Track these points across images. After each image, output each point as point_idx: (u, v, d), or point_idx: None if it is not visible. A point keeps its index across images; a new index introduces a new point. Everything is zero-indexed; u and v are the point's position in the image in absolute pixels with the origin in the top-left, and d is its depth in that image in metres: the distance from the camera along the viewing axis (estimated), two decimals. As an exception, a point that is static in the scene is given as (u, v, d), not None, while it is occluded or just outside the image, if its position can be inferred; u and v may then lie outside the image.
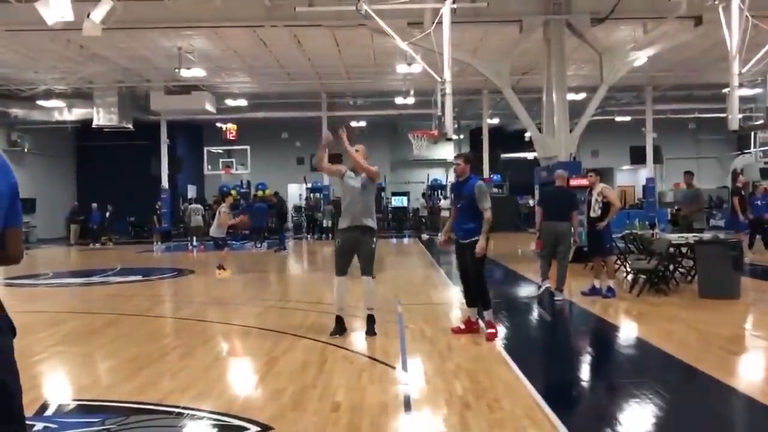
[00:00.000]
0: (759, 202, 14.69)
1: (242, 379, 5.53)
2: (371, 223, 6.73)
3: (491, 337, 6.47)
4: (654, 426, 4.12)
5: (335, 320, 6.87)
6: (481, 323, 6.79)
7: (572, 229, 8.95)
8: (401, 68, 19.81)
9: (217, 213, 14.00)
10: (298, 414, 4.32)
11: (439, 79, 12.52)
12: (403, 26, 13.66)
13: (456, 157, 6.96)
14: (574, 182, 13.63)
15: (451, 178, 29.65)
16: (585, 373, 5.68)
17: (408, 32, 13.49)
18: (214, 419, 4.30)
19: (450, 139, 15.32)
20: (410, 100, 25.60)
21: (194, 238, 21.90)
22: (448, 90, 12.27)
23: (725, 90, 15.19)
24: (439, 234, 8.03)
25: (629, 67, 15.52)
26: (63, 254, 21.58)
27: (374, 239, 6.76)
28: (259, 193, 29.01)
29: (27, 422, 3.89)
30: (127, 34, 16.63)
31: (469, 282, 6.83)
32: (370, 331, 6.76)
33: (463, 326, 6.83)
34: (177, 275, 14.14)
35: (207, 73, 20.99)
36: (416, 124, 28.41)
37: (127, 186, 28.25)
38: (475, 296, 6.76)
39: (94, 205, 25.87)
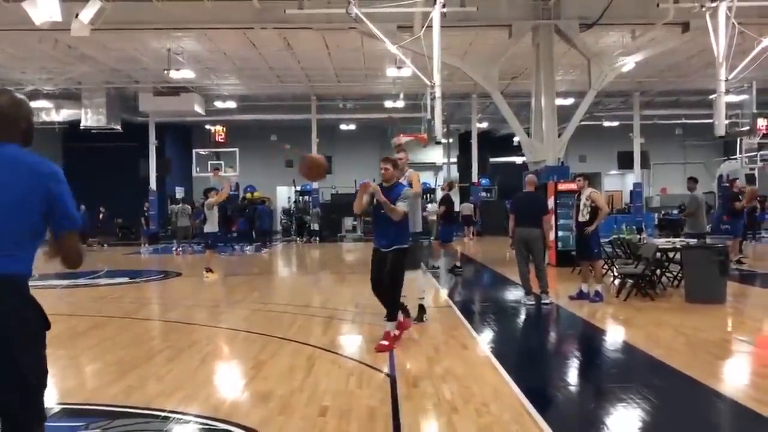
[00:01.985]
0: None
1: (229, 382, 5.50)
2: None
3: (380, 348, 6.10)
4: (641, 430, 4.14)
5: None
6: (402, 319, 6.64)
7: (543, 234, 8.97)
8: (391, 72, 19.83)
9: (207, 210, 13.28)
10: (285, 418, 4.30)
11: (428, 83, 12.56)
12: (393, 30, 13.67)
13: (383, 161, 6.50)
14: (561, 186, 13.78)
15: (440, 181, 29.81)
16: (573, 377, 5.69)
17: (398, 36, 13.51)
18: (201, 423, 4.27)
19: (439, 143, 15.34)
20: (400, 104, 25.65)
21: (180, 240, 21.54)
22: (438, 94, 12.30)
23: (712, 96, 15.36)
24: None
25: (617, 72, 15.65)
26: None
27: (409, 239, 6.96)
28: (248, 195, 28.88)
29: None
30: (116, 35, 16.51)
31: (384, 293, 6.39)
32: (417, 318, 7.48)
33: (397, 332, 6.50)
34: (164, 277, 14.05)
35: (196, 75, 20.93)
36: (406, 127, 28.48)
37: (115, 188, 27.97)
38: (388, 303, 6.37)
39: (83, 207, 25.58)
